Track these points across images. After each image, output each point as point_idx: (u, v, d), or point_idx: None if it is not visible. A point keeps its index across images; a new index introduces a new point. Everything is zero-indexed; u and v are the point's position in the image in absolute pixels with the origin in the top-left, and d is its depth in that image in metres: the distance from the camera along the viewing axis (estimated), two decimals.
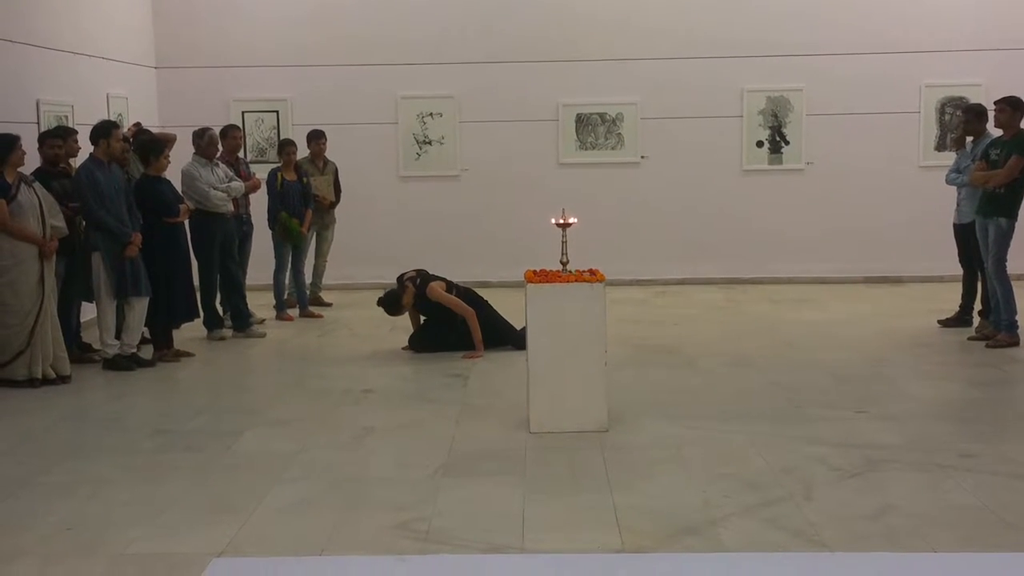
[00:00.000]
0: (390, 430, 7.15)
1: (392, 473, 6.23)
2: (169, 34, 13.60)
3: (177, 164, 10.40)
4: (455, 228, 13.67)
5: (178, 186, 10.03)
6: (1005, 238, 9.47)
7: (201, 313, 10.17)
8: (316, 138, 12.21)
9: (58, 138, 9.30)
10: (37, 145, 9.28)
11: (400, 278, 9.99)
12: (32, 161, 9.06)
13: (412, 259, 13.37)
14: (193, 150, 10.58)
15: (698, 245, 13.68)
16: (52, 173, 9.12)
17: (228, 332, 10.56)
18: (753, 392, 8.05)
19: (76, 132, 9.59)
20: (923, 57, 13.37)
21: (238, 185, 10.73)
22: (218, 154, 10.73)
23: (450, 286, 9.85)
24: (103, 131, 9.07)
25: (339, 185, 12.38)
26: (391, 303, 9.87)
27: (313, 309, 11.84)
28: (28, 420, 7.61)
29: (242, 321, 10.63)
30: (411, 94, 13.62)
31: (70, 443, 6.99)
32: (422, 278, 9.85)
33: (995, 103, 9.67)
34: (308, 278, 12.17)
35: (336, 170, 12.36)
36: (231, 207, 10.65)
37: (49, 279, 8.57)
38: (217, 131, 10.85)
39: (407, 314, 9.99)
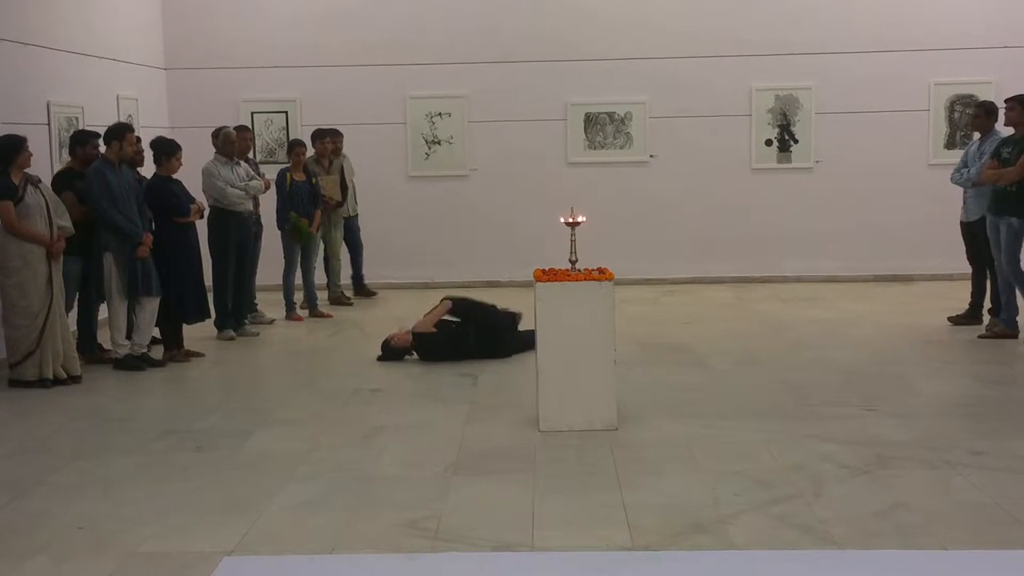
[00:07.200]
0: (400, 429, 7.16)
1: (402, 472, 6.24)
2: (179, 35, 13.64)
3: (197, 164, 10.50)
4: (464, 228, 13.68)
5: (189, 186, 10.06)
6: (1017, 238, 9.43)
7: (212, 313, 10.20)
8: (320, 137, 12.21)
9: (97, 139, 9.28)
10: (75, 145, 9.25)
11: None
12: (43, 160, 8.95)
13: (421, 259, 13.53)
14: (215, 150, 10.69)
15: (707, 244, 13.66)
16: (81, 174, 9.08)
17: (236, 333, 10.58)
18: (762, 390, 8.04)
19: (98, 136, 9.35)
20: (932, 55, 13.33)
21: (257, 184, 10.79)
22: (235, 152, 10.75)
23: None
24: (117, 133, 9.09)
25: (345, 184, 12.35)
26: (389, 353, 9.42)
27: (323, 309, 11.84)
28: (39, 420, 7.64)
29: (238, 319, 10.66)
30: (420, 94, 13.62)
31: (81, 443, 7.01)
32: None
33: (1005, 101, 9.64)
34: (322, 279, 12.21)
35: (342, 168, 12.34)
36: (249, 206, 10.69)
37: (57, 279, 8.58)
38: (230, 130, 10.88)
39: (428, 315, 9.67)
